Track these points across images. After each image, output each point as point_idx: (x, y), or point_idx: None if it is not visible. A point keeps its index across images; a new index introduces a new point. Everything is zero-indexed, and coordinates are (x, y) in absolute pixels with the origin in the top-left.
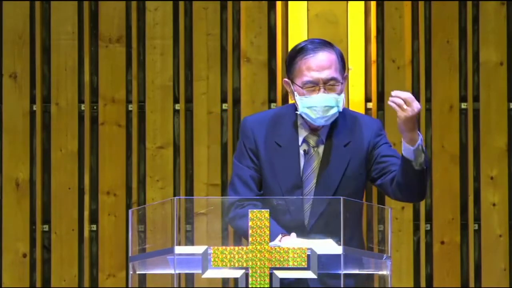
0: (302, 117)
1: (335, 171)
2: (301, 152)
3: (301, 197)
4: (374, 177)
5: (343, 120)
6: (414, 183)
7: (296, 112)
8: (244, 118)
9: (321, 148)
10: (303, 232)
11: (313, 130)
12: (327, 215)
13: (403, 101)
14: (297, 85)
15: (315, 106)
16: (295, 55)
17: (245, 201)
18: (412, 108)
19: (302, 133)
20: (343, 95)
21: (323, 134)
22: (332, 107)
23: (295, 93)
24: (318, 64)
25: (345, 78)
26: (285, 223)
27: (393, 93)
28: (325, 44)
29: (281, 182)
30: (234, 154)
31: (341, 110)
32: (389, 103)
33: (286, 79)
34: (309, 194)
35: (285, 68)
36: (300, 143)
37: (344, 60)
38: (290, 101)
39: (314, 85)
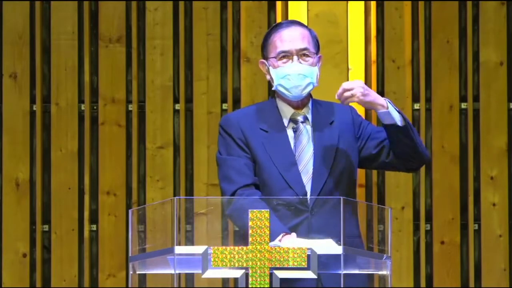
0: (281, 97)
1: (328, 144)
2: (289, 132)
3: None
4: (373, 153)
5: (320, 105)
6: (407, 143)
7: (274, 89)
8: (224, 116)
9: (308, 125)
10: (306, 206)
11: (296, 108)
12: (327, 189)
13: (345, 90)
14: (272, 58)
15: (289, 74)
16: (269, 33)
17: (243, 189)
18: (356, 88)
19: (287, 114)
20: (317, 68)
21: (306, 112)
22: (306, 76)
23: (270, 68)
24: (291, 35)
25: (319, 58)
26: (288, 198)
27: (337, 94)
28: (299, 23)
29: (276, 162)
30: (217, 153)
31: (316, 84)
32: (343, 101)
33: (261, 60)
34: (305, 169)
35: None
36: (286, 124)
37: (318, 42)
38: None
39: (287, 55)
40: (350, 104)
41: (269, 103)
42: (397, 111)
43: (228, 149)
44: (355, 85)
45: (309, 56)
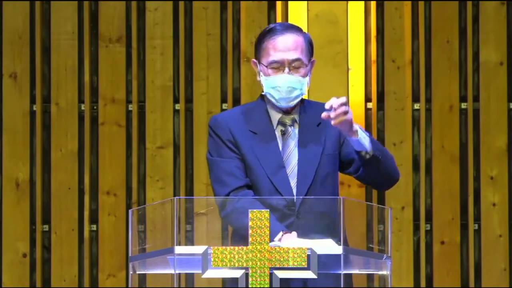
0: (270, 101)
1: (314, 148)
2: (277, 134)
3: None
4: (344, 160)
5: (310, 106)
6: (376, 171)
7: (263, 94)
8: (212, 116)
9: (296, 128)
10: (292, 210)
11: (285, 112)
12: (313, 193)
13: (342, 105)
14: (263, 65)
15: (279, 86)
16: (263, 36)
17: (236, 191)
18: (350, 112)
19: (275, 117)
20: (307, 78)
21: (295, 114)
22: (295, 88)
23: (261, 73)
24: (284, 44)
25: (312, 63)
26: (275, 201)
27: (334, 107)
28: (294, 27)
29: (264, 165)
30: (207, 154)
31: (304, 93)
32: (335, 117)
33: (254, 59)
34: (292, 171)
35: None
36: (275, 126)
37: (312, 46)
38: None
39: (279, 65)
40: (337, 120)
41: (258, 104)
42: (368, 135)
43: (219, 150)
44: (348, 108)
45: (301, 67)
